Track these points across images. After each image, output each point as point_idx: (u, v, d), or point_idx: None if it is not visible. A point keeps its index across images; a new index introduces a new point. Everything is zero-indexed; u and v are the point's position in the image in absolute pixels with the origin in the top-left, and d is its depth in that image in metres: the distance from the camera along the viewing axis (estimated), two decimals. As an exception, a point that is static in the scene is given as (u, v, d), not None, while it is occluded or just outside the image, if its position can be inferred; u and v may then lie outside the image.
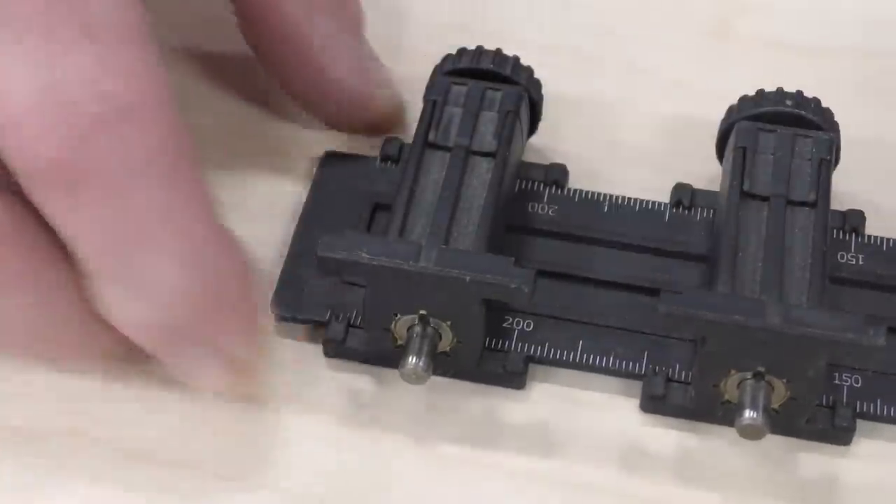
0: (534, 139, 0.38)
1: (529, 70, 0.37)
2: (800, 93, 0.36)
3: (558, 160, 0.38)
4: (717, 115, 0.37)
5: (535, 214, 0.36)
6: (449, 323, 0.33)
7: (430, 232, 0.33)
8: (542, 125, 0.38)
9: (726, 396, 0.32)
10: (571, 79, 0.40)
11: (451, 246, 0.33)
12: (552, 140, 0.39)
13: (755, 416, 0.31)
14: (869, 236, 0.36)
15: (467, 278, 0.31)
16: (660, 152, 0.39)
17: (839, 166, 0.36)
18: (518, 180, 0.37)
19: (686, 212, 0.37)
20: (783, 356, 0.31)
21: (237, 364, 0.32)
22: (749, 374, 0.32)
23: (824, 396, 0.33)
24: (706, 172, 0.37)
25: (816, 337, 0.30)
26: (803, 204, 0.34)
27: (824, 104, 0.36)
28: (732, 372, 0.32)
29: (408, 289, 0.32)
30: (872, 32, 0.42)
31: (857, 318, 0.31)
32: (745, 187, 0.34)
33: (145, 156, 0.29)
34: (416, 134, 0.35)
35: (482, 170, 0.35)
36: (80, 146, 0.28)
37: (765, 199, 0.34)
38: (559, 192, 0.37)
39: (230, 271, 0.31)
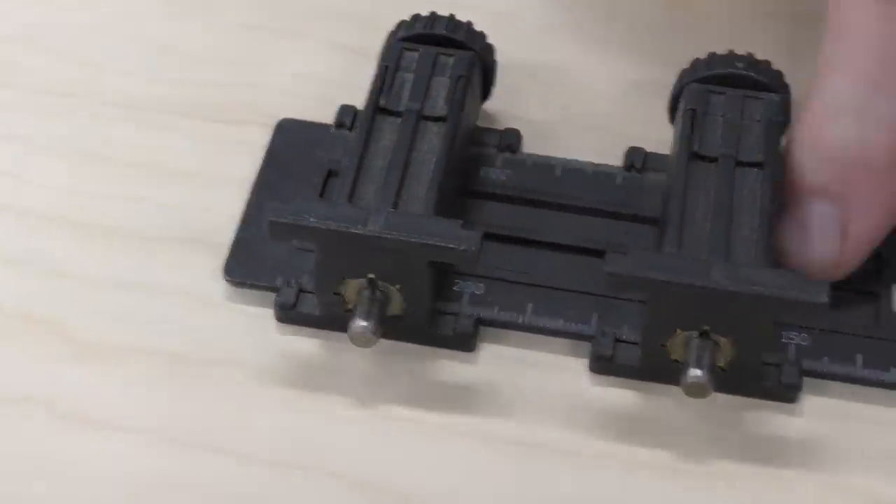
0: (488, 104, 0.38)
1: (483, 35, 0.37)
2: (751, 55, 0.36)
3: (513, 125, 0.38)
4: (672, 80, 0.37)
5: (489, 179, 0.36)
6: (398, 286, 0.33)
7: (380, 196, 0.33)
8: (497, 90, 0.38)
9: (674, 356, 0.33)
10: (526, 45, 0.40)
11: (401, 210, 0.33)
12: (507, 105, 0.39)
13: (700, 374, 0.31)
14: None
15: (413, 241, 0.31)
16: (614, 117, 0.39)
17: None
18: (472, 145, 0.37)
19: (639, 175, 0.37)
20: (728, 315, 0.31)
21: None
22: (695, 334, 0.32)
23: (771, 354, 0.33)
24: (661, 136, 0.37)
25: (760, 295, 0.31)
26: (752, 165, 0.34)
27: (779, 68, 0.36)
28: (678, 331, 0.32)
29: (356, 252, 0.32)
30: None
31: (801, 276, 0.31)
32: (695, 148, 0.34)
33: None
34: (368, 99, 0.35)
35: (433, 134, 0.35)
36: None
37: (714, 160, 0.34)
38: (513, 156, 0.37)
39: None
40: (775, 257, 0.33)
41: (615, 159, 0.37)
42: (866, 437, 0.33)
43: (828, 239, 0.33)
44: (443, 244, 0.31)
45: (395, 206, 0.33)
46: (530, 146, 0.38)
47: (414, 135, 0.34)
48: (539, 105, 0.39)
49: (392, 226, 0.31)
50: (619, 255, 0.31)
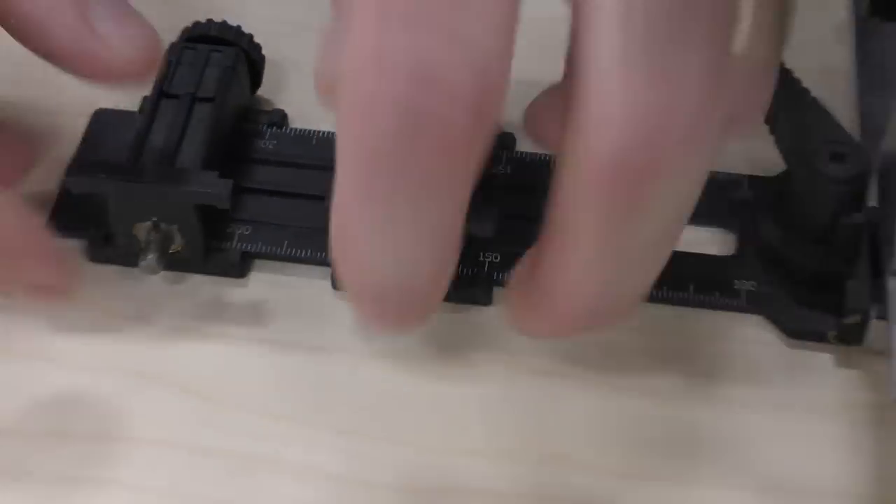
0: (262, 91, 0.47)
1: (250, 36, 0.46)
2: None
3: (281, 107, 0.47)
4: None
5: (259, 147, 0.45)
6: (177, 227, 0.41)
7: (158, 159, 0.42)
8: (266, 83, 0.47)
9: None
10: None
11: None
12: (275, 92, 0.48)
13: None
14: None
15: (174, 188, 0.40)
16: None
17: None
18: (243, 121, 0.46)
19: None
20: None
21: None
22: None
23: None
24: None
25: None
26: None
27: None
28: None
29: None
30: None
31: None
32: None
33: None
34: (154, 86, 0.43)
35: (204, 112, 0.43)
36: None
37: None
38: (279, 130, 0.45)
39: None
40: None
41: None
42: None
43: None
44: (199, 190, 0.40)
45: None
46: (298, 123, 0.46)
47: (189, 112, 0.43)
48: (300, 92, 0.48)
49: (161, 177, 0.40)
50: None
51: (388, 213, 0.27)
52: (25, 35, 0.38)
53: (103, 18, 0.38)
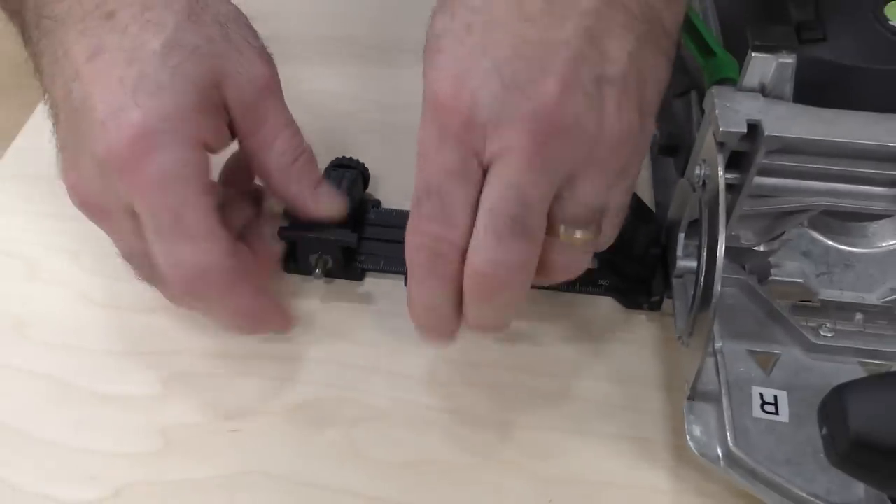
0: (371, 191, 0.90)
1: (363, 164, 0.89)
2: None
3: (378, 196, 0.89)
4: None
5: (370, 219, 0.87)
6: (331, 256, 0.84)
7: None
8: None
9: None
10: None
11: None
12: (375, 189, 0.91)
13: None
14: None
15: (316, 236, 0.82)
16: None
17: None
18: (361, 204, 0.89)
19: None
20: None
21: None
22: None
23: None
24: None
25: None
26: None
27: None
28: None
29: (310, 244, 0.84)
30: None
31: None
32: None
33: None
34: None
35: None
36: None
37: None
38: (378, 209, 0.88)
39: None
40: None
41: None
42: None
43: None
44: (335, 238, 0.82)
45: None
46: (386, 205, 0.89)
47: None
48: (388, 191, 0.91)
49: (321, 231, 0.83)
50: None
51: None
52: (283, 199, 0.75)
53: (323, 195, 0.76)
